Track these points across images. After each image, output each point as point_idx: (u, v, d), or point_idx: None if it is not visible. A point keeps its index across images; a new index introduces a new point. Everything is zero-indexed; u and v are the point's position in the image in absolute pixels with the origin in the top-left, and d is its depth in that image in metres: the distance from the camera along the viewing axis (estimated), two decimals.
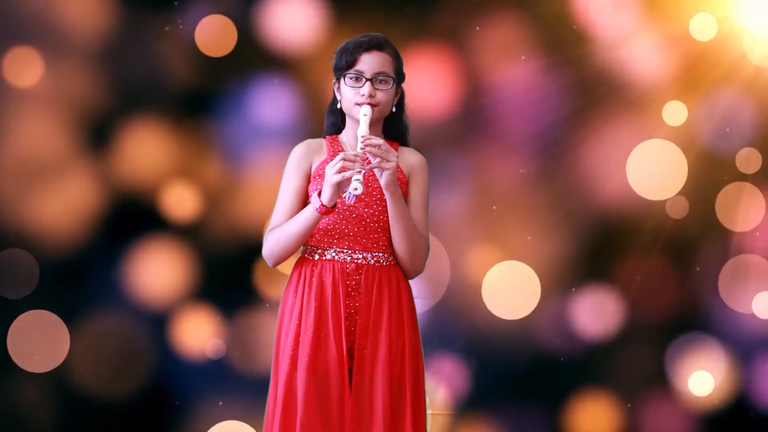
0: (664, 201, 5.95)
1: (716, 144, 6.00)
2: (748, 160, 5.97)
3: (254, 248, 5.67)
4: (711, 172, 6.00)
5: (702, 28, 5.90)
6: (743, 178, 5.98)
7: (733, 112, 5.97)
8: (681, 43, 5.96)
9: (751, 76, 5.97)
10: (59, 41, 5.80)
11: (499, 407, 5.97)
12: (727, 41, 5.96)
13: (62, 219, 5.79)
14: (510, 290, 5.93)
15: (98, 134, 5.83)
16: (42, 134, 5.79)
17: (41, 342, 5.75)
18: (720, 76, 5.97)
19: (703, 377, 5.93)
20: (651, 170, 5.94)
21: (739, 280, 5.96)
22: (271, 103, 5.89)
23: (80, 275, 5.81)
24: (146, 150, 5.85)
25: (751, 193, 5.95)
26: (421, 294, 5.74)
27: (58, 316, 5.77)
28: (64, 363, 5.78)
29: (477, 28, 5.97)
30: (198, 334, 5.86)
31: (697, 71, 5.96)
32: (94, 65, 5.82)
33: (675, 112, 5.95)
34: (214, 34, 5.86)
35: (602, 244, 6.02)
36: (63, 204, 5.78)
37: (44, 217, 5.78)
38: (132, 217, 5.82)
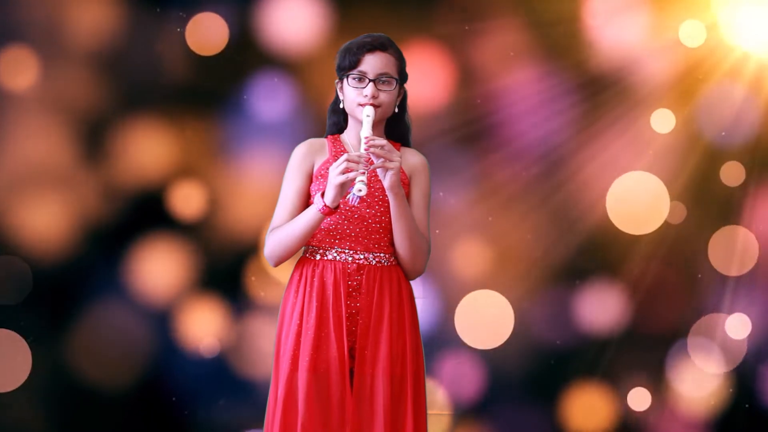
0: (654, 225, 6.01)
1: (707, 149, 6.01)
2: (732, 173, 5.97)
3: (254, 247, 5.73)
4: (703, 178, 6.02)
5: (691, 34, 5.91)
6: (729, 191, 6.00)
7: (727, 116, 5.98)
8: (672, 49, 5.97)
9: (742, 83, 5.97)
10: (56, 42, 5.79)
11: (498, 406, 5.98)
12: (717, 47, 5.96)
13: (58, 222, 5.78)
14: (482, 320, 5.95)
15: (95, 136, 5.82)
16: (38, 137, 5.78)
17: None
18: (710, 82, 5.97)
19: (641, 393, 5.96)
20: (632, 205, 5.97)
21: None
22: (272, 103, 5.89)
23: (79, 276, 5.81)
24: (144, 150, 5.84)
25: (746, 236, 5.99)
26: (422, 294, 5.75)
27: (52, 319, 5.78)
28: (62, 361, 5.79)
29: (466, 28, 5.97)
30: (199, 332, 5.86)
31: (688, 77, 5.97)
32: (91, 65, 5.80)
33: (664, 119, 5.96)
34: (209, 34, 5.86)
35: (602, 245, 6.03)
36: (60, 208, 5.78)
37: (40, 222, 5.78)
38: (131, 218, 5.82)
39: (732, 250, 5.97)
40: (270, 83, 5.90)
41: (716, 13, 5.94)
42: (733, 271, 5.97)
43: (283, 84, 5.90)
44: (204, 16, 5.85)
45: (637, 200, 5.96)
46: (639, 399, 5.99)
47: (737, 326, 5.96)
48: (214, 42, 5.86)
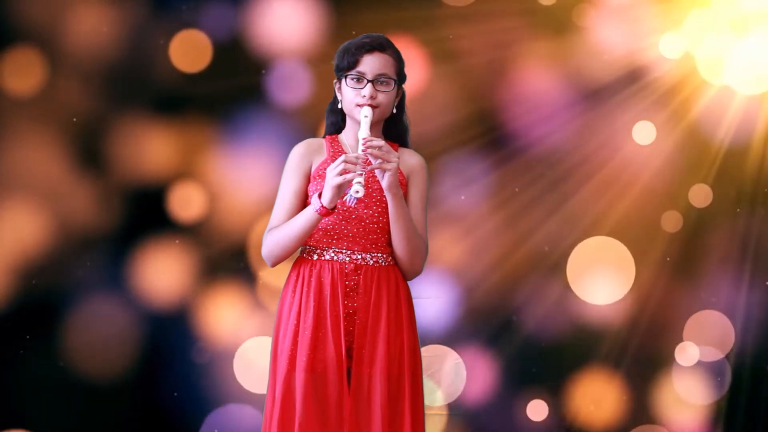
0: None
1: (691, 160, 6.02)
2: (699, 195, 5.98)
3: (253, 247, 5.74)
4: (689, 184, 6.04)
5: (670, 47, 5.91)
6: (695, 210, 6.00)
7: (703, 130, 5.99)
8: (652, 61, 5.97)
9: (721, 99, 5.97)
10: (54, 45, 5.80)
11: (497, 401, 5.98)
12: (694, 63, 5.96)
13: (58, 224, 5.80)
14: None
15: (94, 138, 5.83)
16: (36, 140, 5.79)
17: None
18: (688, 97, 5.97)
19: (539, 404, 5.97)
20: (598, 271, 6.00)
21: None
22: (272, 101, 5.91)
23: (79, 277, 5.82)
24: (142, 153, 5.85)
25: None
26: (422, 294, 5.76)
27: (51, 320, 5.80)
28: (65, 361, 5.80)
29: (451, 37, 5.97)
30: (199, 332, 5.88)
31: (667, 90, 5.98)
32: (89, 68, 5.81)
33: (645, 131, 5.96)
34: (192, 48, 5.86)
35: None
36: (59, 210, 5.79)
37: (38, 224, 5.79)
38: (130, 221, 5.83)
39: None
40: (270, 82, 5.90)
41: (690, 28, 5.94)
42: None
43: (283, 83, 5.91)
44: (189, 33, 5.86)
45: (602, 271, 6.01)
46: (537, 410, 6.00)
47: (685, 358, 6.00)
48: (200, 55, 5.86)
